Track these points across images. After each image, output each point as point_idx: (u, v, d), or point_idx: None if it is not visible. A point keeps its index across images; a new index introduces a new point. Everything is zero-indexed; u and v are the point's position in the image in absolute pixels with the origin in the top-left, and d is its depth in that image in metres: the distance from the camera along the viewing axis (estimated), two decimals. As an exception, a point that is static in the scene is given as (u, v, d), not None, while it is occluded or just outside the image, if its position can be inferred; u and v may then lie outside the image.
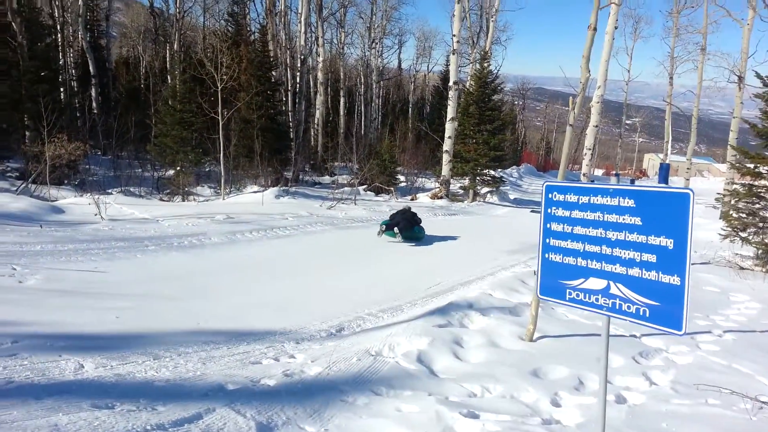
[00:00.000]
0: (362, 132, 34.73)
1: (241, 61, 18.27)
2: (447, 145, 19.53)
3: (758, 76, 13.82)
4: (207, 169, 19.26)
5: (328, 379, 4.21)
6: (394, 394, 3.99)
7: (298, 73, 23.87)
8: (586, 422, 3.73)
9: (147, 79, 29.52)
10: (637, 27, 36.08)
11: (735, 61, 18.55)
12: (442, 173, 19.82)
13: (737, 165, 13.44)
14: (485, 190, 21.27)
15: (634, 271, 2.85)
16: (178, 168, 16.90)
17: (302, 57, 23.21)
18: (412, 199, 19.19)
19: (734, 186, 14.64)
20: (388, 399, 3.91)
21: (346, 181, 20.12)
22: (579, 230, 3.08)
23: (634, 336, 5.79)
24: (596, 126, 10.03)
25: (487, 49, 24.23)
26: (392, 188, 19.70)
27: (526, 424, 3.62)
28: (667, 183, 30.03)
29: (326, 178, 23.02)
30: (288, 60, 26.14)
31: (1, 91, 15.21)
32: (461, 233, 13.64)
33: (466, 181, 21.10)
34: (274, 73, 22.35)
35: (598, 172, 61.67)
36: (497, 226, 15.56)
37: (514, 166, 35.73)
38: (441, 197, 19.41)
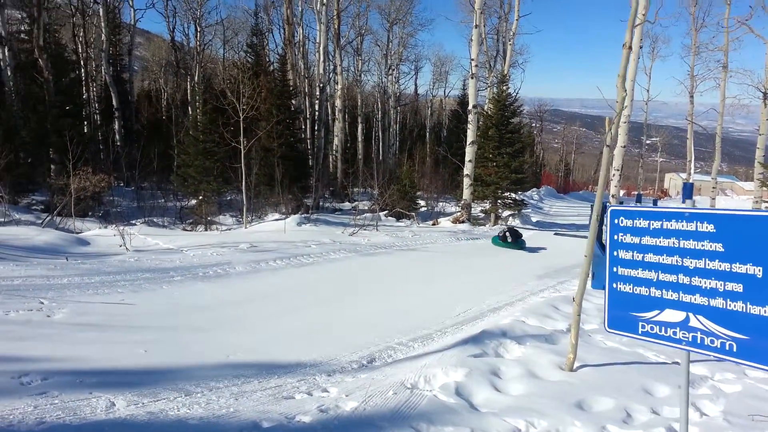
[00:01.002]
0: (380, 157, 34.84)
1: (261, 90, 18.45)
2: (468, 168, 19.41)
3: (786, 92, 13.61)
4: (228, 198, 19.36)
5: (365, 415, 4.05)
6: (435, 430, 3.82)
7: (317, 101, 24.07)
8: (639, 459, 3.52)
9: (169, 111, 30.03)
10: (655, 46, 35.93)
11: (759, 78, 18.29)
12: (464, 197, 19.67)
13: (767, 182, 13.18)
14: (507, 213, 21.06)
15: (717, 302, 2.63)
16: (201, 197, 16.99)
17: (321, 85, 23.42)
18: (433, 224, 19.05)
19: (765, 204, 14.36)
20: (429, 436, 3.74)
21: (366, 207, 20.07)
22: (651, 258, 2.88)
23: (677, 363, 5.55)
24: (624, 146, 9.86)
25: (505, 72, 24.24)
26: (413, 213, 19.58)
27: (577, 461, 3.43)
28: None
29: (346, 205, 23.01)
30: (306, 88, 26.42)
31: (30, 126, 15.50)
32: (486, 257, 13.46)
33: (488, 205, 20.92)
34: (293, 101, 22.57)
35: (621, 193, 61.05)
36: (522, 251, 15.32)
37: (534, 189, 35.47)
38: (463, 221, 19.23)
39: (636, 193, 43.91)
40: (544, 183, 42.72)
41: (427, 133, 43.41)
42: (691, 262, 2.73)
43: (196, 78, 30.38)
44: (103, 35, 25.07)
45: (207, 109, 18.20)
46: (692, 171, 34.19)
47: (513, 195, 21.15)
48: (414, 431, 3.80)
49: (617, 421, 4.10)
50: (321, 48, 23.21)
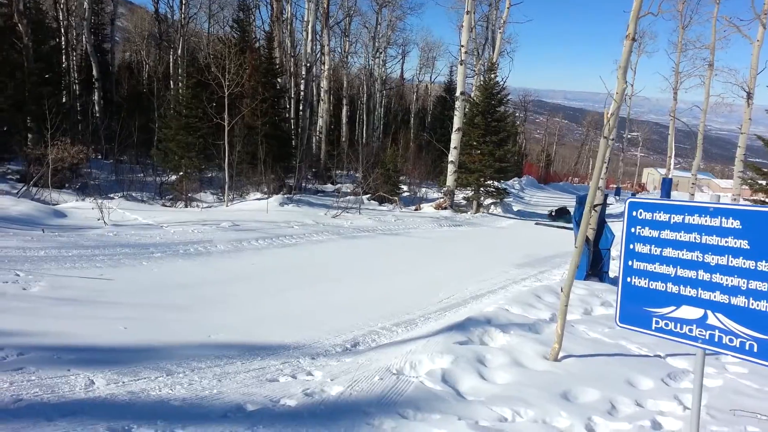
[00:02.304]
0: (365, 141, 34.63)
1: (247, 67, 18.11)
2: (452, 155, 19.39)
3: (771, 92, 13.75)
4: (209, 175, 19.07)
5: (351, 400, 4.00)
6: (422, 417, 3.77)
7: (302, 81, 23.76)
8: (626, 452, 3.52)
9: (150, 84, 29.39)
10: (641, 41, 36.06)
11: (744, 77, 18.48)
12: (447, 183, 19.66)
13: (749, 181, 13.36)
14: (489, 201, 21.11)
15: (739, 300, 2.56)
16: (182, 173, 16.70)
17: (308, 65, 23.11)
18: (416, 209, 19.02)
19: (744, 202, 14.57)
20: (417, 423, 3.70)
21: (349, 190, 19.95)
22: (670, 252, 2.80)
23: (659, 356, 5.60)
24: (612, 139, 9.86)
25: (494, 60, 24.16)
26: (396, 198, 19.52)
27: (564, 453, 3.41)
28: (669, 197, 29.97)
29: (329, 186, 22.85)
30: (292, 67, 26.06)
31: (6, 93, 15.02)
32: (468, 245, 13.49)
33: (470, 192, 20.94)
34: (279, 80, 22.24)
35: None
36: (503, 238, 15.39)
37: (515, 178, 35.61)
38: (445, 208, 19.24)
39: (615, 186, 44.40)
40: (526, 173, 42.94)
41: (412, 118, 43.23)
42: (713, 259, 2.65)
43: (179, 51, 29.74)
44: (85, 3, 24.38)
45: (191, 83, 17.82)
46: (672, 166, 34.59)
47: (496, 183, 21.18)
48: (401, 417, 3.76)
49: (603, 413, 4.10)
50: (309, 27, 22.88)
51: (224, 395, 3.95)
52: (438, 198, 20.87)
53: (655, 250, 2.87)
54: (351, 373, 4.59)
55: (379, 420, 3.69)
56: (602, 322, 6.82)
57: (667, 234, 2.83)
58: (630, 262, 3.00)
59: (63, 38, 25.88)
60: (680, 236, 2.76)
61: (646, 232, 2.90)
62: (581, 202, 9.78)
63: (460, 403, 4.05)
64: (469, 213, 19.78)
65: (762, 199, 12.73)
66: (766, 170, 13.31)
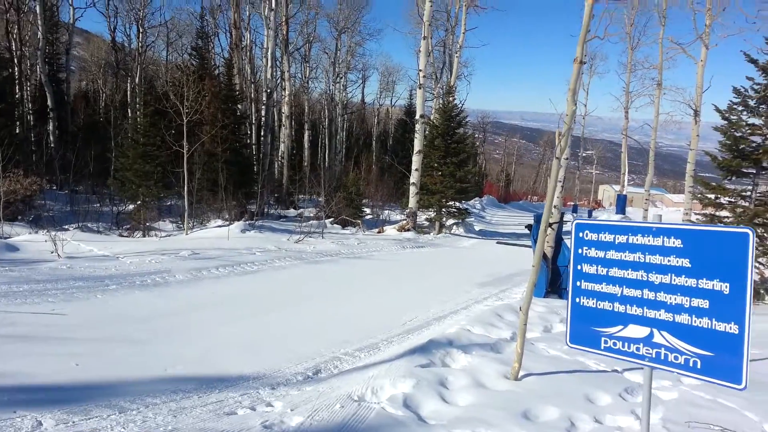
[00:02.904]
0: (327, 165, 34.66)
1: (206, 94, 18.01)
2: (414, 177, 19.56)
3: (717, 110, 14.34)
4: (168, 203, 18.75)
5: (312, 431, 3.94)
6: (383, 444, 3.75)
7: (263, 107, 23.72)
8: (584, 469, 3.55)
9: (107, 113, 28.90)
10: (593, 63, 37.30)
11: (690, 96, 19.24)
12: (409, 205, 19.79)
13: (699, 196, 13.81)
14: (451, 221, 21.30)
15: (683, 318, 2.63)
16: (139, 202, 16.38)
17: (268, 90, 23.10)
18: (379, 232, 19.05)
19: (696, 216, 15.08)
20: (377, 450, 3.67)
21: (312, 214, 19.88)
22: (616, 272, 2.85)
23: (617, 371, 5.70)
24: (566, 158, 10.12)
25: (452, 83, 24.60)
26: (359, 221, 19.53)
27: (525, 473, 3.43)
28: (624, 213, 30.79)
29: (291, 211, 22.72)
30: (252, 93, 26.02)
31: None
32: (431, 266, 13.56)
33: (432, 214, 21.11)
34: (239, 106, 22.17)
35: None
36: (466, 258, 15.54)
37: (476, 198, 36.07)
38: (408, 229, 19.33)
39: (572, 203, 45.37)
40: (487, 192, 43.55)
41: (374, 142, 43.52)
42: (656, 278, 2.71)
43: (137, 80, 29.39)
44: (39, 33, 23.90)
45: (148, 112, 17.59)
46: (626, 183, 35.60)
47: (457, 204, 21.42)
48: (361, 445, 3.72)
49: (562, 431, 4.15)
50: (269, 53, 22.92)
51: (179, 431, 3.85)
52: (401, 220, 20.97)
53: (602, 270, 2.93)
54: (311, 402, 4.54)
55: (339, 449, 3.65)
56: (561, 339, 6.87)
57: (612, 254, 2.89)
58: (578, 283, 3.05)
59: (16, 69, 25.31)
60: (625, 256, 2.82)
61: (593, 252, 2.96)
62: (538, 220, 9.97)
63: (421, 428, 4.04)
64: (431, 234, 19.91)
65: (712, 213, 13.16)
66: (714, 185, 13.78)
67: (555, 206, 10.43)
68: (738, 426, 4.26)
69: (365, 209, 21.49)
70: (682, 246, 2.65)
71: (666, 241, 2.69)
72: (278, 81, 27.47)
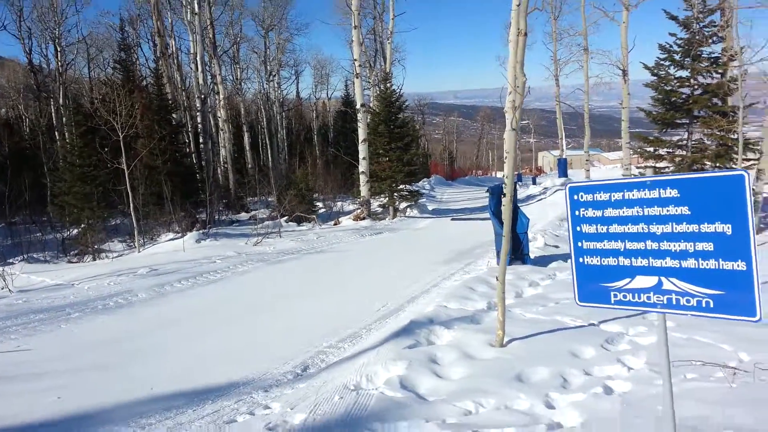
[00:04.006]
0: (270, 164, 34.19)
1: (138, 107, 17.42)
2: (362, 166, 19.58)
3: (646, 67, 14.96)
4: (114, 223, 18.12)
5: (317, 425, 3.94)
6: (390, 427, 3.79)
7: (198, 114, 23.15)
8: (587, 421, 3.70)
9: (34, 138, 27.53)
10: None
11: (617, 57, 19.89)
12: (362, 194, 19.82)
13: (639, 150, 14.41)
14: (404, 205, 21.45)
15: (689, 263, 2.71)
16: (84, 226, 15.77)
17: (202, 96, 22.54)
18: (335, 224, 19.00)
19: (636, 170, 15.69)
20: (386, 433, 3.71)
21: (265, 215, 19.61)
22: (616, 228, 2.93)
23: (593, 324, 5.92)
24: (513, 129, 10.31)
25: (387, 70, 24.63)
26: (314, 216, 19.41)
27: (533, 433, 3.54)
28: (567, 176, 31.68)
29: (243, 215, 22.36)
30: (185, 101, 25.34)
31: None
32: (392, 250, 13.65)
33: (385, 199, 21.19)
34: (174, 115, 21.58)
35: (500, 174, 64.22)
36: (425, 238, 15.70)
37: (424, 179, 36.36)
38: (363, 218, 19.36)
39: (516, 173, 46.33)
40: (433, 172, 43.88)
41: (315, 136, 43.14)
42: (658, 228, 2.80)
43: (60, 100, 28.10)
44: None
45: (80, 132, 16.89)
46: (564, 147, 36.62)
47: (408, 187, 21.58)
48: None
49: (557, 388, 4.29)
50: (198, 59, 22.34)
51: (184, 446, 3.78)
52: (354, 210, 20.96)
53: (602, 229, 3.02)
54: (309, 398, 4.53)
55: (349, 439, 3.67)
56: (534, 302, 7.12)
57: (610, 212, 2.98)
58: (579, 243, 3.13)
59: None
60: (623, 212, 2.92)
61: (590, 212, 3.05)
62: (493, 192, 10.18)
63: (423, 406, 4.10)
64: (387, 219, 20.00)
65: (653, 165, 13.76)
66: (652, 138, 14.41)
67: (506, 176, 10.67)
68: (716, 358, 4.52)
69: (318, 203, 21.36)
70: (679, 195, 2.75)
71: (662, 192, 2.79)
72: (210, 86, 26.81)
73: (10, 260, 13.17)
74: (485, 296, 7.32)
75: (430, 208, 22.93)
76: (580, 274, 3.13)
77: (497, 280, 5.47)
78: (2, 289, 9.68)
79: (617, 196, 2.94)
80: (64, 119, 26.29)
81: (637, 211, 2.89)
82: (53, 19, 28.82)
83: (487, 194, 10.17)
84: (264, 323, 7.48)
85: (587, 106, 24.89)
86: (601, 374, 4.56)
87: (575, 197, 3.10)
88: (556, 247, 11.14)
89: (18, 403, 4.80)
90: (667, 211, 2.78)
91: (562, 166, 32.99)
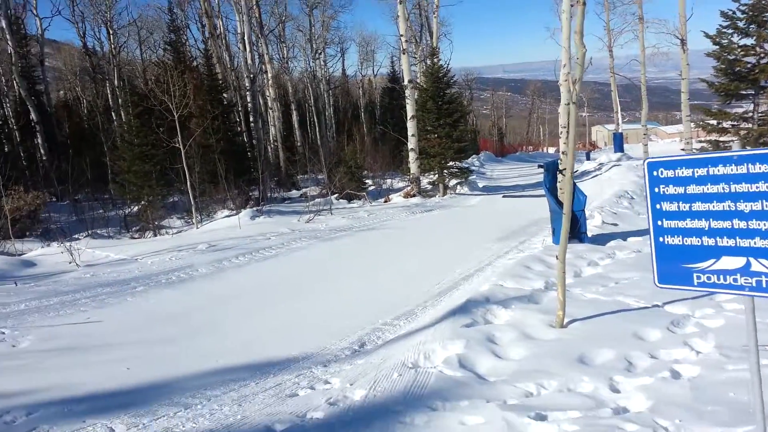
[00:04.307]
0: (319, 142, 34.43)
1: (189, 87, 17.76)
2: (411, 143, 19.47)
3: (707, 35, 14.22)
4: (172, 200, 18.69)
5: (377, 402, 3.98)
6: (451, 406, 3.79)
7: (248, 93, 23.43)
8: (655, 405, 3.59)
9: (93, 119, 28.53)
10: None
11: (675, 26, 19.00)
12: (411, 171, 19.74)
13: (701, 123, 13.80)
14: (454, 182, 21.27)
15: None
16: (144, 203, 16.31)
17: (251, 76, 22.78)
18: (385, 201, 19.04)
19: (700, 144, 15.04)
20: (447, 413, 3.71)
21: (315, 193, 19.83)
22: (700, 206, 2.78)
23: (657, 305, 5.73)
24: (567, 104, 10.03)
25: (434, 45, 24.25)
26: (364, 193, 19.49)
27: (598, 418, 3.47)
28: (623, 151, 30.69)
29: (294, 193, 22.67)
30: (234, 81, 25.66)
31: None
32: (444, 228, 13.57)
33: (435, 176, 21.06)
34: (225, 95, 21.92)
35: (551, 150, 62.78)
36: (476, 216, 15.53)
37: (474, 156, 35.94)
38: (413, 195, 19.32)
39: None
40: (482, 149, 43.31)
41: (362, 113, 43.18)
42: (746, 206, 2.64)
43: (115, 82, 28.96)
44: (10, 48, 23.46)
45: (137, 112, 17.39)
46: (620, 121, 35.41)
47: (458, 163, 21.37)
48: (431, 410, 3.76)
49: (621, 371, 4.19)
50: (245, 38, 22.54)
51: (249, 419, 3.89)
52: (404, 187, 20.93)
53: (684, 206, 2.87)
54: (368, 374, 4.58)
55: (410, 417, 3.69)
56: (594, 282, 6.96)
57: (693, 188, 2.82)
58: (659, 222, 2.99)
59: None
60: (708, 189, 2.75)
61: (671, 189, 2.90)
62: (548, 169, 9.95)
63: (483, 386, 4.08)
64: (437, 196, 19.90)
65: (716, 139, 13.17)
66: (715, 110, 13.78)
67: (563, 152, 10.40)
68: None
69: (367, 181, 21.42)
70: (769, 170, 2.57)
71: (751, 167, 2.61)
72: (258, 65, 27.05)
73: (76, 236, 13.76)
74: (542, 275, 7.20)
75: (480, 185, 22.67)
76: (660, 255, 2.98)
77: (557, 258, 5.36)
78: (69, 263, 10.13)
79: (701, 171, 2.77)
80: (120, 100, 27.08)
81: (723, 188, 2.71)
82: (104, 3, 29.58)
83: (541, 170, 9.95)
84: (319, 299, 7.59)
85: (644, 77, 23.89)
86: (668, 358, 4.42)
87: (655, 173, 2.95)
88: (615, 225, 10.83)
89: (91, 373, 5.02)
90: (757, 187, 2.60)
91: (618, 141, 31.92)
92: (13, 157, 17.54)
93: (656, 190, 2.96)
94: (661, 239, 2.98)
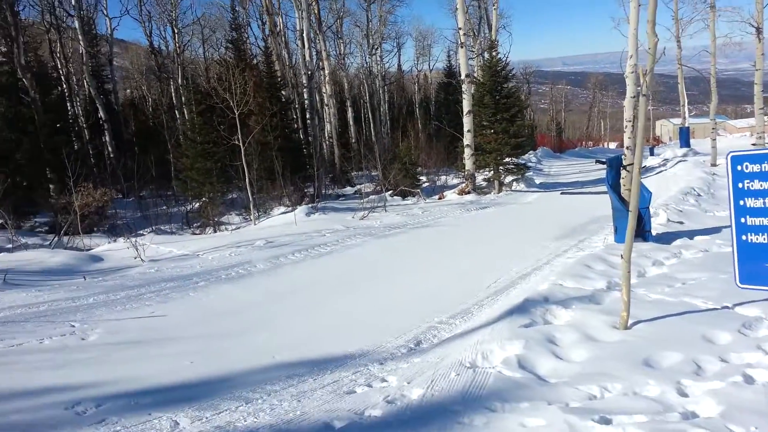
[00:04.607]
0: (374, 138, 34.56)
1: (249, 85, 18.15)
2: (467, 138, 19.24)
3: (785, 22, 13.39)
4: (231, 197, 19.18)
5: (435, 401, 3.95)
6: (511, 408, 3.71)
7: (305, 90, 23.75)
8: (727, 410, 3.41)
9: (157, 117, 29.61)
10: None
11: (750, 13, 18.00)
12: (466, 167, 19.51)
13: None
14: (510, 178, 20.91)
15: None
16: (205, 199, 16.80)
17: (309, 72, 23.08)
18: (439, 198, 18.91)
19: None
20: (507, 414, 3.64)
21: (369, 190, 19.92)
22: None
23: (727, 307, 5.45)
24: (633, 96, 9.66)
25: (493, 38, 23.91)
26: (418, 190, 19.43)
27: (666, 422, 3.33)
28: (689, 146, 29.42)
29: (348, 189, 22.84)
30: (292, 78, 26.06)
31: (23, 148, 15.23)
32: (499, 225, 13.38)
33: (490, 173, 20.75)
34: (283, 92, 22.28)
35: (612, 146, 60.85)
36: (533, 213, 15.22)
37: (531, 151, 35.25)
38: (468, 192, 19.10)
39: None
40: (540, 144, 42.47)
41: (416, 109, 43.03)
42: None
43: (179, 81, 29.94)
44: (81, 48, 24.60)
45: (200, 110, 17.91)
46: (687, 115, 33.97)
47: (514, 160, 20.99)
48: (490, 411, 3.70)
49: (690, 375, 4.00)
50: (304, 35, 22.83)
51: (309, 415, 3.93)
52: (458, 184, 20.74)
53: None
54: (425, 373, 4.54)
55: (468, 417, 3.64)
56: (659, 282, 6.69)
57: None
58: (743, 219, 2.84)
59: (65, 85, 26.23)
60: None
61: (757, 185, 2.75)
62: (611, 164, 9.61)
63: (544, 388, 3.98)
64: (492, 193, 19.62)
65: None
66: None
67: (628, 147, 10.03)
68: None
69: (421, 177, 21.33)
70: None
71: None
72: (316, 62, 27.39)
73: (140, 232, 14.30)
74: (604, 275, 6.97)
75: (537, 181, 22.22)
76: (742, 253, 2.83)
77: (621, 258, 5.17)
78: (135, 258, 10.53)
79: (790, 166, 2.59)
80: (183, 98, 27.99)
81: (815, 184, 2.52)
82: (170, 2, 30.58)
83: (599, 164, 9.61)
84: (374, 296, 7.61)
85: (714, 68, 22.73)
86: (740, 362, 4.19)
87: (739, 168, 2.79)
88: (681, 223, 10.38)
89: (156, 367, 5.20)
90: None
91: (684, 135, 30.64)
92: (82, 155, 18.37)
93: (740, 185, 2.80)
94: (744, 237, 2.82)
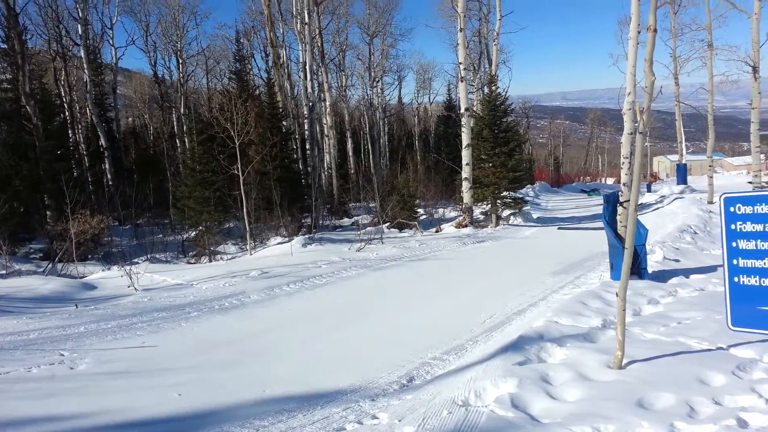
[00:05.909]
0: (372, 170, 34.77)
1: (251, 115, 18.33)
2: (465, 172, 19.35)
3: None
4: (228, 226, 19.17)
5: (425, 440, 3.88)
6: (503, 449, 3.65)
7: (306, 121, 23.98)
8: (720, 456, 3.36)
9: (158, 146, 29.86)
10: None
11: (746, 52, 18.31)
12: (464, 201, 19.57)
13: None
14: (508, 212, 20.95)
15: None
16: (201, 228, 16.79)
17: (310, 104, 23.32)
18: (437, 231, 18.92)
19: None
20: (498, 455, 3.58)
21: (367, 221, 19.93)
22: None
23: (722, 348, 5.40)
24: (630, 133, 9.77)
25: (493, 72, 24.26)
26: (415, 223, 19.45)
27: (659, 466, 3.26)
28: (686, 183, 29.60)
29: (346, 221, 22.86)
30: (294, 109, 26.34)
31: (22, 174, 15.29)
32: (496, 259, 13.35)
33: (488, 206, 20.81)
34: (284, 122, 22.48)
35: (610, 181, 61.20)
36: (530, 248, 15.22)
37: (529, 186, 35.43)
38: (466, 225, 19.12)
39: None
40: (538, 178, 42.68)
41: (416, 141, 43.43)
42: None
43: (181, 110, 30.26)
44: (86, 77, 24.90)
45: (201, 139, 18.05)
46: (684, 152, 34.23)
47: (512, 194, 21.06)
48: (480, 451, 3.63)
49: (683, 417, 3.95)
50: (307, 67, 23.13)
51: (296, 452, 3.86)
52: (456, 216, 20.77)
53: (763, 245, 2.70)
54: (417, 410, 4.48)
55: (459, 457, 3.57)
56: (654, 321, 6.65)
57: None
58: (735, 261, 2.83)
59: (68, 113, 26.49)
60: None
61: (749, 227, 2.75)
62: (608, 200, 9.65)
63: (537, 428, 3.92)
64: (489, 227, 19.63)
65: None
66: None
67: (624, 183, 10.09)
68: None
69: (419, 210, 21.37)
70: None
71: None
72: (317, 93, 27.74)
73: (135, 260, 14.26)
74: (599, 312, 6.93)
75: (534, 216, 22.27)
76: (734, 295, 2.81)
77: (616, 295, 5.14)
78: (128, 287, 10.48)
79: (784, 208, 2.59)
80: (185, 127, 28.25)
81: (809, 226, 2.52)
82: (176, 33, 31.12)
83: (587, 195, 9.63)
84: (368, 330, 7.54)
85: (711, 106, 23.01)
86: (734, 405, 4.14)
87: (732, 209, 2.79)
88: (677, 261, 10.37)
89: (145, 398, 5.12)
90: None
91: (681, 172, 30.87)
92: (81, 182, 18.44)
93: (732, 227, 2.80)
94: (736, 279, 2.81)
